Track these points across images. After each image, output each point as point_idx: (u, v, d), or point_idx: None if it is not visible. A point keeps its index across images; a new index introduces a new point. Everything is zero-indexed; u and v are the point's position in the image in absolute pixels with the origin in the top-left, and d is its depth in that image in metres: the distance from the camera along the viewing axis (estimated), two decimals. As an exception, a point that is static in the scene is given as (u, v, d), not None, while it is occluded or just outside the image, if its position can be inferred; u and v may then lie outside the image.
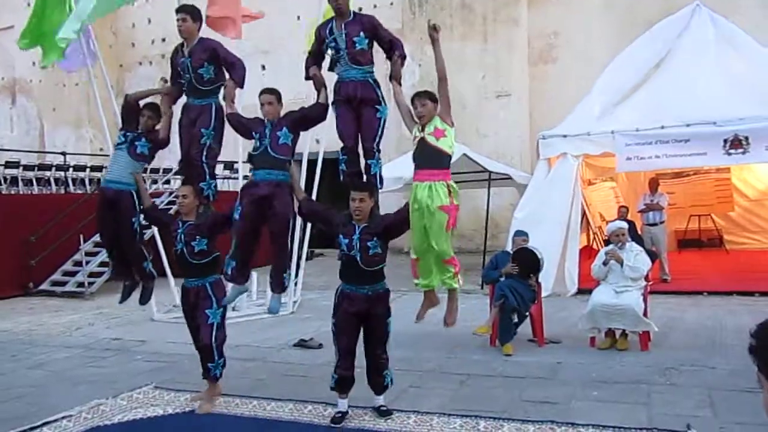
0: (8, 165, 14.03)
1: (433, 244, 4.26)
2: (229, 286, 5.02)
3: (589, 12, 14.88)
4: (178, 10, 5.24)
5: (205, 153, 5.11)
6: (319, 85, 4.93)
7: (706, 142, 8.78)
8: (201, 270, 4.82)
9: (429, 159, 4.32)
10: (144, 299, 5.57)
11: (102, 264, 11.97)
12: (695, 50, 9.82)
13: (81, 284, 11.39)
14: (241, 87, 5.15)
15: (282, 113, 4.87)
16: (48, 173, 15.00)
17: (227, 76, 5.17)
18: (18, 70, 21.92)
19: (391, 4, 16.83)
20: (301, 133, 5.03)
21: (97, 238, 12.39)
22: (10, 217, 10.96)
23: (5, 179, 13.73)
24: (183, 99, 5.32)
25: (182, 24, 5.14)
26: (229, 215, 4.93)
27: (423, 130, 4.36)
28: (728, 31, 10.09)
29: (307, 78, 4.98)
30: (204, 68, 5.07)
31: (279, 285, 4.90)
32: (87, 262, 11.67)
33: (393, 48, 4.83)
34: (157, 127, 5.31)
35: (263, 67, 17.84)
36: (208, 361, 4.86)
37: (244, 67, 5.14)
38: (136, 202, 5.17)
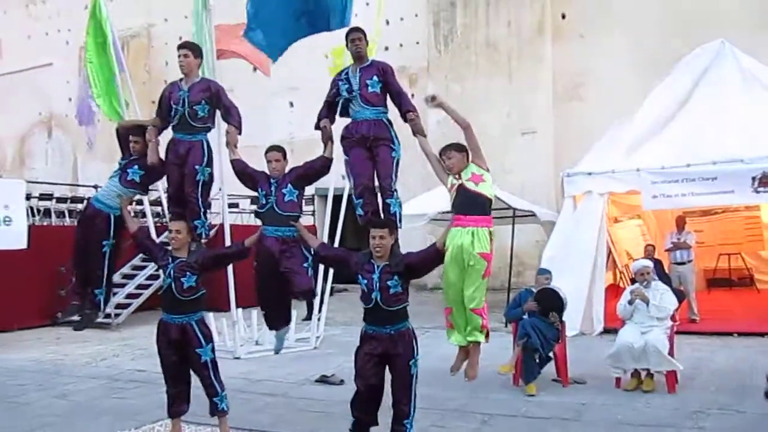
0: (42, 197, 14.36)
1: (466, 291, 4.20)
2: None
3: (614, 50, 14.94)
4: (180, 47, 5.32)
5: (200, 191, 5.12)
6: (326, 138, 4.99)
7: (733, 180, 8.70)
8: (187, 306, 4.76)
9: (471, 205, 4.26)
10: (80, 326, 5.54)
11: (129, 296, 12.15)
12: (721, 87, 9.77)
13: (108, 315, 11.51)
14: (240, 133, 5.18)
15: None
16: (80, 206, 15.28)
17: (216, 121, 5.25)
18: (55, 105, 22.62)
19: (417, 42, 17.10)
20: None
21: (125, 270, 12.64)
22: (42, 248, 11.18)
23: (39, 211, 14.04)
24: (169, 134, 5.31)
25: (184, 60, 5.19)
26: (219, 253, 5.12)
27: (460, 177, 4.33)
28: (753, 68, 10.05)
29: (317, 128, 5.06)
30: (200, 105, 5.10)
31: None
32: (114, 294, 11.82)
33: (401, 104, 4.89)
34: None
35: (291, 104, 18.16)
36: (212, 396, 4.83)
37: (239, 114, 5.21)
38: (112, 228, 5.13)
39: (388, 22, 16.56)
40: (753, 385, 6.22)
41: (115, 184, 5.20)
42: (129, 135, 5.30)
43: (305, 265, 4.75)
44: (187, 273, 4.72)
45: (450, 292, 4.32)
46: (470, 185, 4.29)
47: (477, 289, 4.18)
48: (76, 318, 5.37)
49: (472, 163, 4.37)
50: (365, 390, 4.34)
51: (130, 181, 5.21)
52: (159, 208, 12.51)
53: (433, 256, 4.34)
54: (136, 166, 5.21)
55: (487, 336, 4.31)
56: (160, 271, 4.84)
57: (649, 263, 6.76)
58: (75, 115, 11.05)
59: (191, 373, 4.90)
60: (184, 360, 4.85)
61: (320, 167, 5.00)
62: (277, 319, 5.08)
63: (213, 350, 4.89)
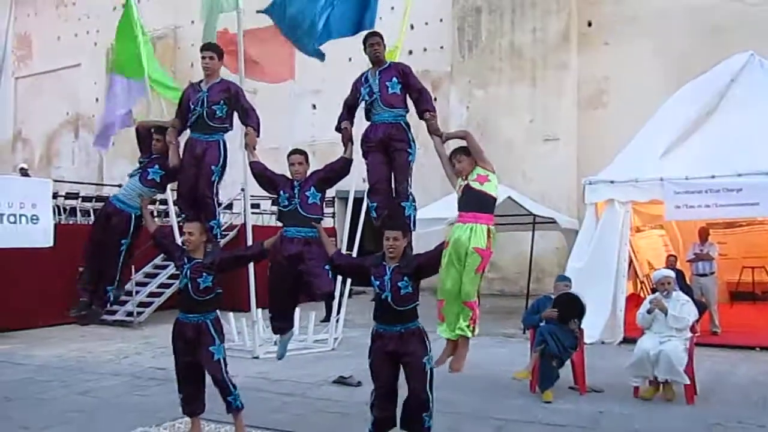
0: (68, 196, 14.60)
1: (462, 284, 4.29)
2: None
3: (640, 58, 14.83)
4: (204, 48, 5.38)
5: (215, 191, 5.16)
6: (347, 139, 5.06)
7: (758, 192, 8.59)
8: (203, 306, 4.81)
9: (475, 203, 4.38)
10: (84, 321, 5.54)
11: (151, 294, 12.31)
12: (747, 99, 9.66)
13: (130, 313, 11.69)
14: (259, 135, 5.22)
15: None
16: (105, 204, 15.53)
17: (234, 122, 5.29)
18: (82, 106, 23.01)
19: (441, 47, 17.15)
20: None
21: (147, 269, 12.81)
22: (68, 246, 11.35)
23: (65, 210, 14.27)
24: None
25: (208, 62, 5.24)
26: (237, 255, 5.13)
27: (466, 178, 4.45)
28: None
29: (337, 129, 5.12)
30: (218, 105, 5.13)
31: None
32: (137, 292, 12.00)
33: (421, 102, 4.93)
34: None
35: (314, 107, 18.27)
36: (226, 395, 4.86)
37: (258, 116, 5.24)
38: (132, 227, 5.16)
39: (412, 27, 16.64)
40: (774, 399, 6.16)
41: (136, 183, 5.22)
42: (149, 134, 5.33)
43: (326, 267, 4.78)
44: (204, 274, 4.77)
45: (444, 284, 4.41)
46: (475, 185, 4.41)
47: (470, 282, 4.27)
48: (82, 313, 5.47)
49: (477, 166, 4.47)
50: (382, 387, 4.42)
51: (150, 181, 5.23)
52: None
53: (440, 255, 4.41)
54: (156, 166, 5.23)
55: (473, 332, 4.36)
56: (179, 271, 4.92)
57: (671, 273, 6.72)
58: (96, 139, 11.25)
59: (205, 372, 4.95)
60: (199, 359, 4.89)
61: (340, 168, 5.05)
62: (285, 322, 5.08)
63: (224, 350, 4.93)
